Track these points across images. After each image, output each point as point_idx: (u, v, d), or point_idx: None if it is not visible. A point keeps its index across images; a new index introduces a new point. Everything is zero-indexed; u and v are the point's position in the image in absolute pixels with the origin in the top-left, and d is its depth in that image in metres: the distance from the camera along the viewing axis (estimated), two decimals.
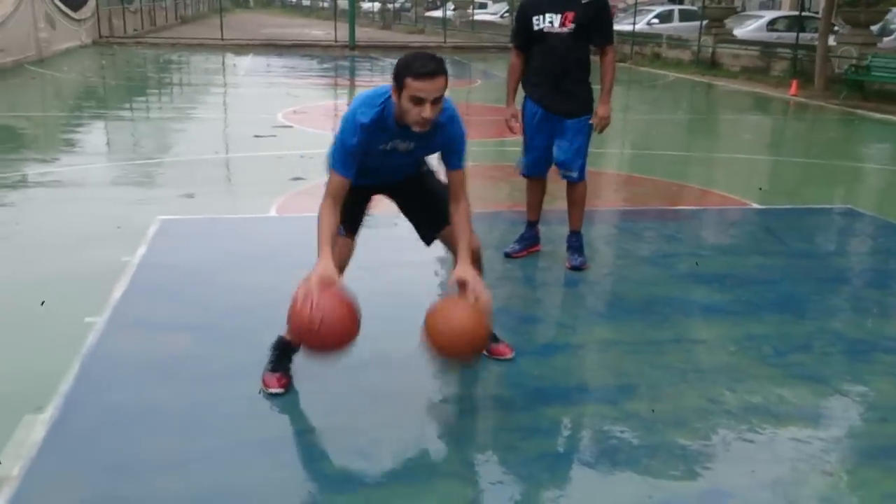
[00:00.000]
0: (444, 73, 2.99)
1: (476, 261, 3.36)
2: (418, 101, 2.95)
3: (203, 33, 27.70)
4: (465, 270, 3.13)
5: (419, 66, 2.94)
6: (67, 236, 5.44)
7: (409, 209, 3.62)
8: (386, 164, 3.32)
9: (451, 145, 3.25)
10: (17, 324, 4.04)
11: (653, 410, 3.32)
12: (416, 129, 3.05)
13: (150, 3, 31.64)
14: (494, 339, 3.68)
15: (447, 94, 3.09)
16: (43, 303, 4.27)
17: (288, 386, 3.38)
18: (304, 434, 3.17)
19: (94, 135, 10.24)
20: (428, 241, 3.62)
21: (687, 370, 3.70)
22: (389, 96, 3.08)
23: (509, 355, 3.71)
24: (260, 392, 3.36)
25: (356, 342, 3.02)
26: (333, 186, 3.17)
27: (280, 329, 3.34)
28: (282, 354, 3.43)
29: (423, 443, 3.08)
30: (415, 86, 2.93)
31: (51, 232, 5.56)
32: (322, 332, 2.91)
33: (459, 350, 3.05)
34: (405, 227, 3.63)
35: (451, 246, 3.44)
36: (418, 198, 3.56)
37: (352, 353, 3.63)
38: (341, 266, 3.32)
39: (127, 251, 5.01)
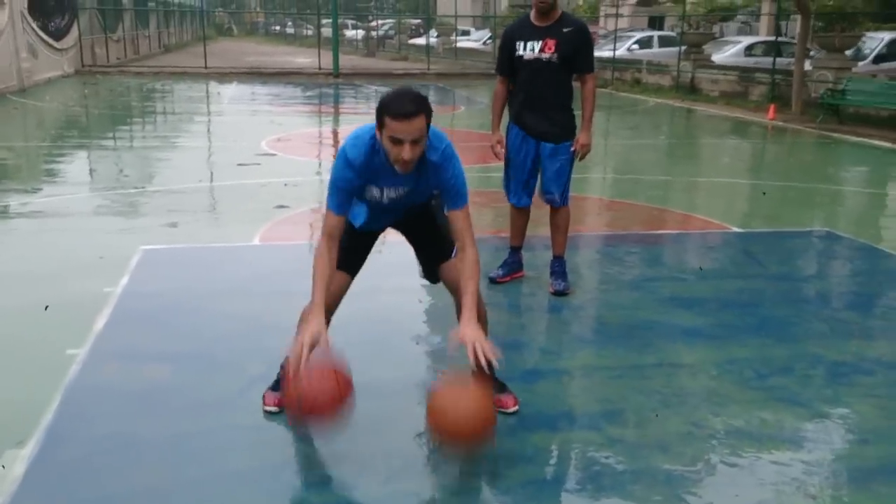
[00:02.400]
0: (423, 112, 2.91)
1: (480, 319, 3.16)
2: (397, 142, 2.91)
3: (187, 61, 27.73)
4: (466, 328, 2.96)
5: (397, 106, 2.88)
6: (49, 267, 5.41)
7: (415, 242, 3.55)
8: (385, 211, 3.30)
9: (446, 184, 3.14)
10: None
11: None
12: (397, 168, 3.00)
13: (133, 32, 31.69)
14: (502, 388, 3.53)
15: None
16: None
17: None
18: (290, 463, 3.15)
19: (76, 165, 10.21)
20: (432, 278, 3.52)
21: (670, 394, 3.72)
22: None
23: (511, 409, 3.49)
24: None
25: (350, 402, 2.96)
26: (328, 226, 3.15)
27: (271, 353, 3.33)
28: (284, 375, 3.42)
29: (409, 471, 3.08)
30: (392, 126, 2.89)
31: (32, 263, 5.53)
32: (308, 412, 2.88)
33: (468, 441, 2.96)
34: (392, 253, 3.65)
35: (451, 288, 3.36)
36: (423, 228, 3.47)
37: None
38: (334, 301, 3.27)
39: (109, 281, 5.00)
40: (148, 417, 3.40)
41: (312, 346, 2.89)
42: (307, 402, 2.83)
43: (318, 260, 3.12)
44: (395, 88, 3.02)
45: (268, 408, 3.44)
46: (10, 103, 15.93)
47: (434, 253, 3.44)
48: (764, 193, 8.55)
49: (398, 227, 3.54)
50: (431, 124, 3.02)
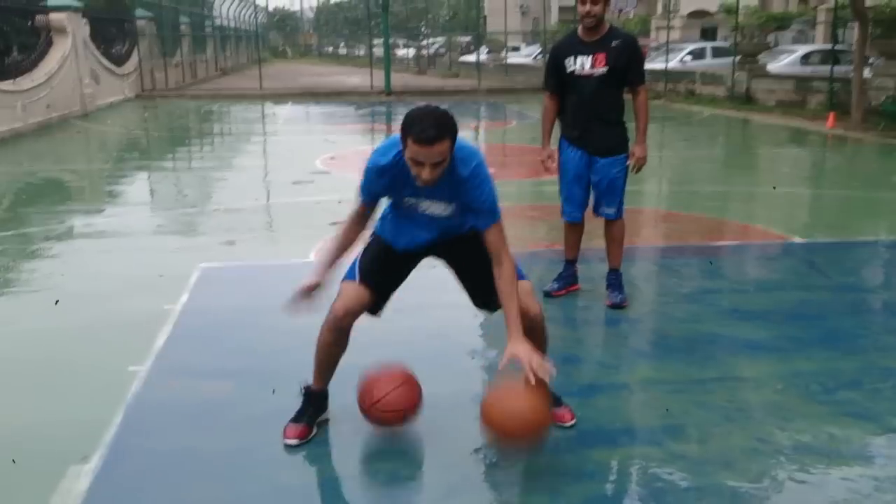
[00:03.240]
0: (446, 137, 2.86)
1: (536, 330, 3.16)
2: (417, 163, 2.89)
3: (243, 84, 28.32)
4: (516, 346, 2.93)
5: (419, 130, 2.83)
6: (111, 286, 5.53)
7: (462, 275, 3.42)
8: (420, 222, 3.24)
9: (475, 203, 3.06)
10: (62, 373, 4.10)
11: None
12: (418, 182, 2.98)
13: (191, 57, 32.47)
14: (557, 402, 3.45)
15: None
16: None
17: (304, 437, 3.31)
18: (344, 479, 3.15)
19: (136, 185, 10.47)
20: (490, 308, 3.36)
21: (733, 409, 3.63)
22: None
23: (569, 422, 3.44)
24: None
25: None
26: (355, 209, 3.25)
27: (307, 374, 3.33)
28: (305, 404, 3.40)
29: (467, 487, 3.05)
30: (413, 149, 2.86)
31: (95, 282, 5.66)
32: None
33: (521, 440, 2.99)
34: (445, 268, 3.62)
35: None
36: (468, 262, 3.31)
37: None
38: (346, 314, 3.21)
39: (169, 299, 5.08)
40: (207, 432, 3.44)
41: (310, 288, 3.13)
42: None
43: (340, 227, 3.25)
44: (420, 107, 2.94)
45: (288, 441, 3.29)
46: (73, 127, 16.43)
47: (483, 286, 3.22)
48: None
49: (443, 255, 3.41)
50: (466, 142, 3.02)
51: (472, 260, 3.24)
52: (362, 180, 3.17)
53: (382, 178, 3.10)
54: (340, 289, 3.26)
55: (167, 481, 3.07)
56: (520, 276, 3.17)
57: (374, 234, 3.39)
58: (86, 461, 3.17)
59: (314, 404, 3.40)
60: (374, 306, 3.30)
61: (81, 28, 19.31)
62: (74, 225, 7.52)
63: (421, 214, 3.22)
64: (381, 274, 3.28)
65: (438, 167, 2.91)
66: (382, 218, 3.39)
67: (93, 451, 3.25)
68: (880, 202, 8.77)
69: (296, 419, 3.36)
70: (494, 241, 3.07)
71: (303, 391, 3.41)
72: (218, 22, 42.14)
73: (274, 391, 3.67)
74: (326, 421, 3.44)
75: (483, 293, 3.29)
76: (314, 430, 3.36)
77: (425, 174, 2.90)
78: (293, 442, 3.28)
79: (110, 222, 7.68)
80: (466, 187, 3.03)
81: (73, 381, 4.00)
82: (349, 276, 3.28)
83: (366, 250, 3.34)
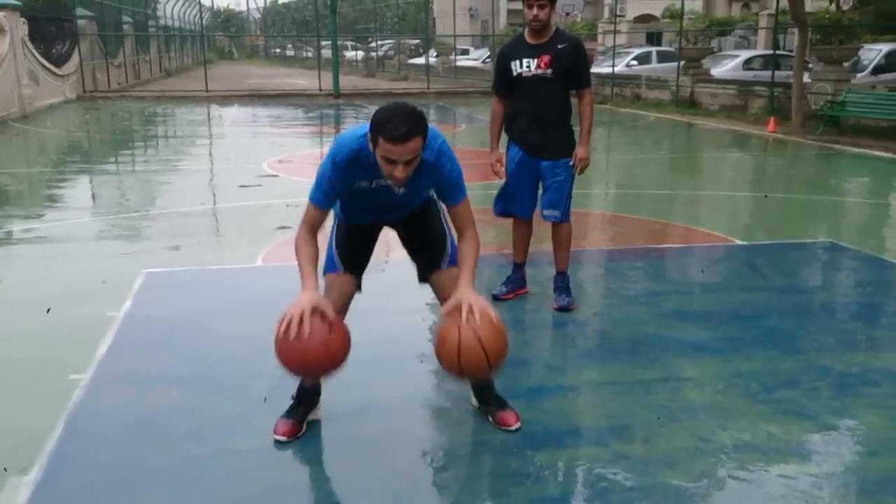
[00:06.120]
0: (418, 134, 2.85)
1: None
2: (390, 162, 2.87)
3: (188, 85, 27.88)
4: (460, 294, 3.03)
5: (391, 128, 2.80)
6: (52, 292, 5.39)
7: (407, 242, 3.52)
8: (378, 201, 3.24)
9: (443, 183, 3.14)
10: (0, 382, 4.00)
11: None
12: (391, 181, 2.99)
13: (134, 57, 31.88)
14: (502, 405, 3.53)
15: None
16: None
17: (293, 435, 3.37)
18: (294, 487, 3.13)
19: (78, 190, 10.24)
20: (421, 278, 3.48)
21: (676, 409, 3.70)
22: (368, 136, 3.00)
23: (514, 426, 3.46)
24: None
25: (341, 368, 3.00)
26: (309, 216, 3.13)
27: (275, 375, 3.31)
28: (297, 401, 3.45)
29: (414, 491, 3.06)
30: (386, 147, 2.83)
31: (35, 288, 5.52)
32: (309, 346, 2.88)
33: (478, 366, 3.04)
34: (395, 273, 3.64)
35: (438, 294, 3.39)
36: (417, 233, 3.45)
37: (341, 400, 3.63)
38: (342, 305, 3.30)
39: (112, 306, 4.99)
40: (152, 442, 3.38)
41: (313, 311, 2.90)
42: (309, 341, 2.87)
43: (300, 247, 3.09)
44: (390, 104, 2.93)
45: (277, 437, 3.36)
46: (11, 129, 16.00)
47: (424, 258, 3.42)
48: (766, 196, 8.56)
49: (396, 225, 3.48)
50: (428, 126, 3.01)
51: (417, 231, 3.43)
52: (320, 182, 3.11)
53: (339, 171, 3.05)
54: (328, 282, 3.31)
55: (111, 493, 3.02)
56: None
57: (337, 221, 3.42)
58: (25, 472, 3.10)
59: (306, 401, 3.45)
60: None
61: (19, 27, 18.83)
62: (13, 230, 7.34)
63: (378, 200, 3.22)
64: (357, 256, 3.37)
65: (411, 165, 2.90)
66: (341, 208, 3.36)
67: (32, 461, 3.18)
68: (818, 204, 9.02)
69: (286, 415, 3.42)
70: (462, 216, 3.19)
71: (297, 388, 3.45)
72: (162, 22, 41.47)
73: (266, 399, 3.66)
74: (318, 420, 3.51)
75: (424, 258, 3.42)
76: (303, 428, 3.42)
77: (398, 172, 2.88)
78: (282, 439, 3.35)
79: (51, 227, 7.50)
80: (433, 169, 3.07)
81: (12, 390, 3.91)
82: (331, 268, 3.35)
83: (337, 238, 3.38)
